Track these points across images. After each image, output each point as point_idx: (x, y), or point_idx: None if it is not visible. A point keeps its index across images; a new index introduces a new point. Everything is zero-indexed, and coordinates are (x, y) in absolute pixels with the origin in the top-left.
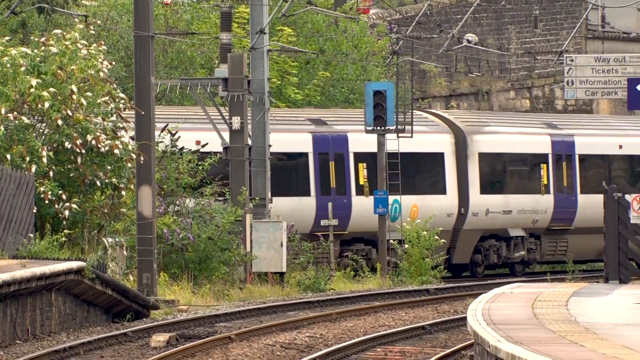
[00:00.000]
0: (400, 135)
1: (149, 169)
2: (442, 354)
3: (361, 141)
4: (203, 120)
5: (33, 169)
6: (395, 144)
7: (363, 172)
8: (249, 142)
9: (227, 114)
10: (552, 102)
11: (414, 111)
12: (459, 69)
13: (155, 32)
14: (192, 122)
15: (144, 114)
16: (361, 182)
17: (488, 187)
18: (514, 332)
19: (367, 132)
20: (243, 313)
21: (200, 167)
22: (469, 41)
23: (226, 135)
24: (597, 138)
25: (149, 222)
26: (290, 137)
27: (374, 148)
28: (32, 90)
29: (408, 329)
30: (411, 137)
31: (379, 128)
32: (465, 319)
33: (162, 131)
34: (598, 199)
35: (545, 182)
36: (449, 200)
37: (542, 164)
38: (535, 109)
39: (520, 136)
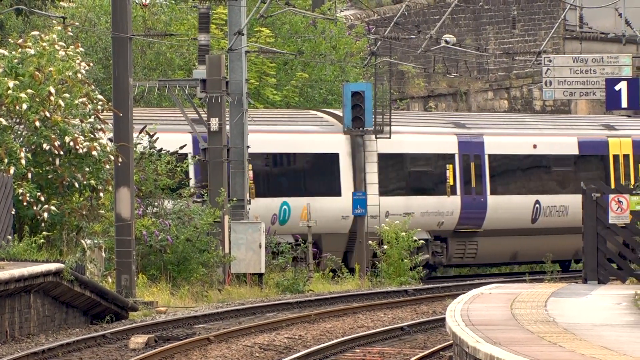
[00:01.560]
0: (280, 132)
1: (127, 170)
2: (421, 354)
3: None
4: (181, 122)
5: (11, 171)
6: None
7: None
8: (228, 143)
9: (206, 115)
10: (531, 103)
11: (306, 110)
12: (437, 70)
13: (134, 34)
14: (171, 123)
15: (122, 116)
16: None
17: (388, 188)
18: (492, 332)
19: (345, 133)
20: (222, 314)
21: (178, 169)
22: (447, 42)
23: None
24: (509, 138)
25: (127, 224)
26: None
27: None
28: (9, 92)
29: (387, 330)
30: (389, 137)
31: (357, 129)
32: (444, 319)
33: (140, 133)
34: (510, 200)
35: (452, 183)
36: (344, 203)
37: (448, 165)
38: (514, 109)
39: (424, 136)
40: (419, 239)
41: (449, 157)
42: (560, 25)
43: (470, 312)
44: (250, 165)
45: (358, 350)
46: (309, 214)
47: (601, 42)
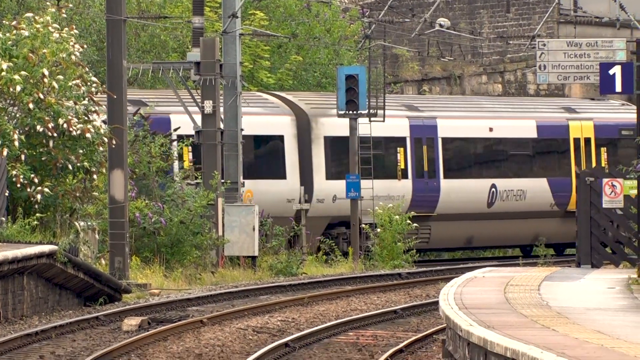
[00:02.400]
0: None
1: (121, 152)
2: (414, 338)
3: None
4: (175, 104)
5: (5, 153)
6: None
7: None
8: (221, 125)
9: (200, 98)
10: (525, 87)
11: (252, 92)
12: (431, 53)
13: (128, 16)
14: (165, 105)
15: (116, 98)
16: None
17: (335, 172)
18: (486, 316)
19: (340, 116)
20: (215, 297)
21: (172, 151)
22: (441, 25)
23: (198, 119)
24: (464, 121)
25: (121, 206)
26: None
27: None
28: (3, 73)
29: (380, 313)
30: (383, 121)
31: (351, 112)
32: (437, 303)
33: (134, 115)
34: (464, 184)
35: (403, 167)
36: (289, 185)
37: (399, 148)
38: (508, 93)
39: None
40: (369, 223)
41: (400, 140)
42: (554, 9)
43: (463, 295)
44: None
45: (351, 333)
46: (250, 199)
47: (595, 27)
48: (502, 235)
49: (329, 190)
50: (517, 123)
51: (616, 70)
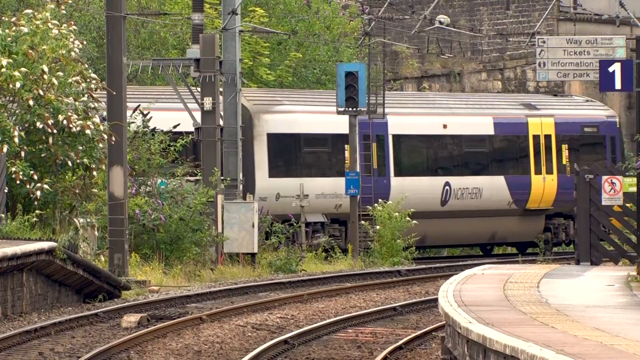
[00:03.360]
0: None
1: (120, 149)
2: (413, 335)
3: None
4: (175, 101)
5: (4, 149)
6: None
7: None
8: (221, 122)
9: (199, 94)
10: (524, 84)
11: (192, 88)
12: (430, 51)
13: (128, 13)
14: (164, 102)
15: (115, 95)
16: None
17: (279, 170)
18: (485, 313)
19: (339, 113)
20: (214, 294)
21: (172, 148)
22: (441, 22)
23: (198, 116)
24: (416, 117)
25: (120, 203)
26: None
27: None
28: (3, 70)
29: (379, 310)
30: (383, 118)
31: (350, 109)
32: (436, 300)
33: (134, 111)
34: (416, 182)
35: (350, 165)
36: None
37: (346, 145)
38: (507, 90)
39: (320, 115)
40: (315, 222)
41: (347, 138)
42: (554, 7)
43: (462, 292)
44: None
45: (350, 330)
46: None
47: (595, 24)
48: (457, 233)
49: (272, 188)
50: (472, 120)
51: (616, 68)
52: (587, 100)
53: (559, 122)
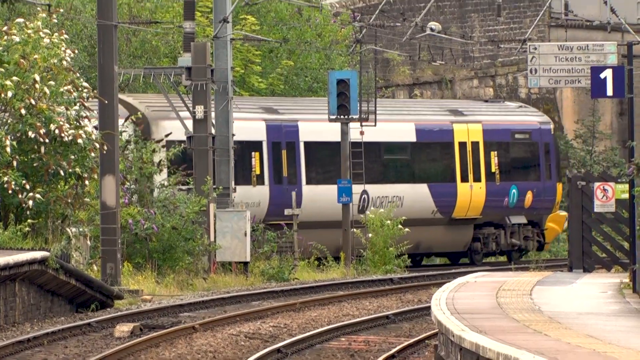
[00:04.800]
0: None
1: (112, 158)
2: (406, 343)
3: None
4: (167, 109)
5: None
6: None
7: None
8: (213, 131)
9: (191, 103)
10: (516, 91)
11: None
12: (422, 58)
13: (119, 21)
14: (156, 110)
15: (107, 103)
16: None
17: (178, 178)
18: (478, 321)
19: (331, 120)
20: (207, 303)
21: (163, 156)
22: (432, 29)
23: (190, 124)
24: (330, 124)
25: (112, 212)
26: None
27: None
28: None
29: (372, 319)
30: (374, 125)
31: (342, 117)
32: (429, 308)
33: (125, 120)
34: (331, 190)
35: (258, 172)
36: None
37: (253, 153)
38: (499, 97)
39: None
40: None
41: (256, 145)
42: (545, 13)
43: (455, 300)
44: None
45: (343, 339)
46: None
47: (586, 30)
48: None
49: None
50: (392, 126)
51: (607, 74)
52: (520, 106)
53: (488, 128)
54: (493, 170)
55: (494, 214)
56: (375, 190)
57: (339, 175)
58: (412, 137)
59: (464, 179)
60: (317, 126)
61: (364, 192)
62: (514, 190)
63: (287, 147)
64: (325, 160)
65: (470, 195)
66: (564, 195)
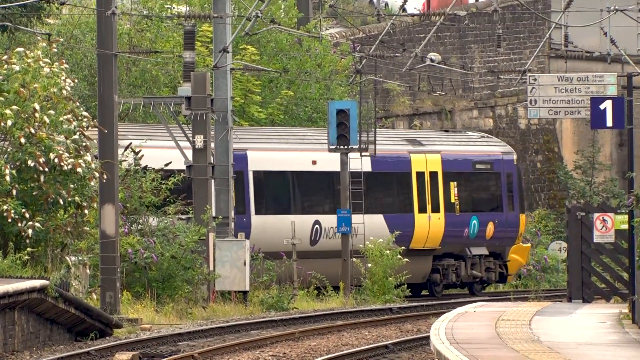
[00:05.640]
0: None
1: (112, 187)
2: None
3: None
4: (167, 139)
5: None
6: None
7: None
8: (213, 160)
9: (191, 132)
10: (516, 121)
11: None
12: (422, 88)
13: (119, 51)
14: (156, 140)
15: (107, 132)
16: None
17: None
18: (477, 351)
19: (331, 150)
20: (206, 332)
21: (163, 186)
22: (432, 60)
23: (189, 154)
24: (282, 153)
25: (112, 241)
26: None
27: None
28: None
29: (371, 348)
30: (374, 155)
31: (342, 147)
32: (428, 338)
33: (125, 149)
34: (281, 220)
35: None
36: None
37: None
38: (499, 127)
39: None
40: None
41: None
42: (545, 44)
43: (454, 330)
44: None
45: None
46: None
47: (586, 61)
48: (330, 274)
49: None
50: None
51: (607, 105)
52: (483, 136)
53: (447, 158)
54: (452, 200)
55: (453, 245)
56: (328, 220)
57: (295, 204)
58: (366, 167)
59: (422, 209)
60: (268, 155)
61: (317, 222)
62: (474, 221)
63: (236, 177)
64: (276, 190)
65: (429, 226)
66: (562, 225)
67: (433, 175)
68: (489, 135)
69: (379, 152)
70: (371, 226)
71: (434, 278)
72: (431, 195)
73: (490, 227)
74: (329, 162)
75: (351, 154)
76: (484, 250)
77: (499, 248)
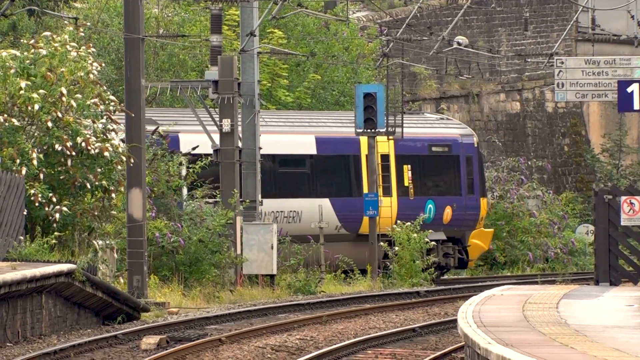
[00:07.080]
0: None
1: (139, 171)
2: (432, 356)
3: None
4: (194, 123)
5: (23, 172)
6: None
7: None
8: (240, 144)
9: (218, 116)
10: (543, 105)
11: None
12: (449, 72)
13: (146, 35)
14: (183, 124)
15: (134, 116)
16: None
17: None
18: (504, 334)
19: (357, 134)
20: (233, 315)
21: (190, 170)
22: (459, 43)
23: (217, 138)
24: (215, 135)
25: (139, 225)
26: None
27: None
28: (21, 92)
29: (399, 331)
30: (401, 138)
31: (369, 130)
32: (455, 321)
33: (152, 133)
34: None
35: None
36: None
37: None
38: (526, 111)
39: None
40: None
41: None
42: (572, 27)
43: (482, 313)
44: None
45: (370, 352)
46: None
47: (613, 44)
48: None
49: None
50: (289, 138)
51: (634, 88)
52: (441, 118)
53: (400, 141)
54: (406, 184)
55: None
56: (268, 204)
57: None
58: (312, 150)
59: None
60: (201, 138)
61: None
62: (430, 205)
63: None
64: (210, 174)
65: (380, 210)
66: (590, 208)
67: (384, 157)
68: (449, 117)
69: (326, 135)
70: (315, 211)
71: (385, 263)
72: (383, 179)
73: (448, 212)
74: (271, 145)
75: (300, 138)
76: (441, 235)
77: (458, 233)
